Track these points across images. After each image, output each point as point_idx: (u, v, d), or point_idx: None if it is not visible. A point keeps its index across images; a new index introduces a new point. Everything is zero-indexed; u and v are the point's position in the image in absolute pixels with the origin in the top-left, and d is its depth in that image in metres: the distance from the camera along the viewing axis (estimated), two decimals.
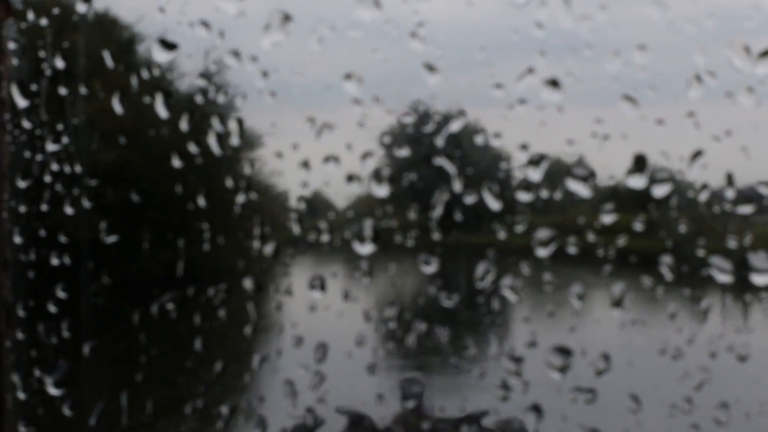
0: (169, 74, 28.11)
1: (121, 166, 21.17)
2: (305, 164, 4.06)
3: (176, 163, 18.72)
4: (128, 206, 21.65)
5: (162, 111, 5.23)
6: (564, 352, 4.17)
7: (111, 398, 10.45)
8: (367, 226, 3.93)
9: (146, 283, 21.78)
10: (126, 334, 17.78)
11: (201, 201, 22.46)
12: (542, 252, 4.05)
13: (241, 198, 26.87)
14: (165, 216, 22.12)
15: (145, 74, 25.10)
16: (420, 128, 59.76)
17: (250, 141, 29.81)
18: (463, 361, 15.56)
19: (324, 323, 18.92)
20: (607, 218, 3.88)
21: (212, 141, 4.50)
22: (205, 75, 28.58)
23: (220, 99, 28.98)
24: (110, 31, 25.01)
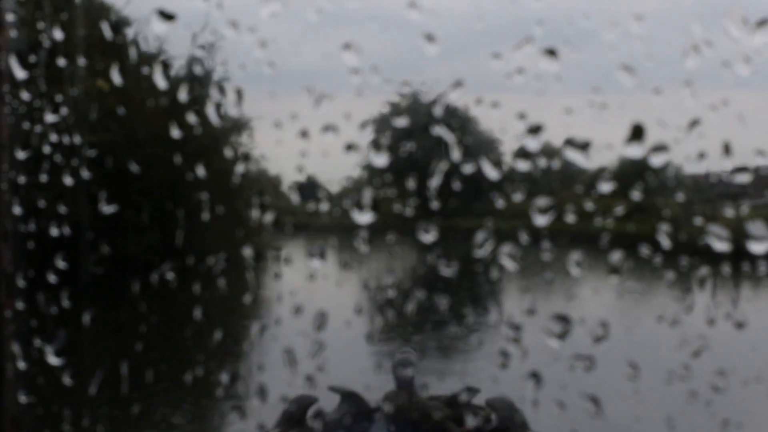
0: (164, 50, 28.11)
1: (119, 142, 21.18)
2: (303, 133, 4.04)
3: (175, 133, 18.75)
4: (128, 179, 21.67)
5: (161, 81, 5.20)
6: (562, 319, 4.29)
7: (111, 367, 10.57)
8: (366, 194, 3.92)
9: (147, 253, 21.86)
10: (126, 303, 17.88)
11: (200, 172, 22.46)
12: (541, 220, 4.07)
13: (240, 168, 26.86)
14: (164, 189, 22.10)
15: (134, 53, 25.11)
16: (416, 101, 59.99)
17: (239, 125, 29.74)
18: (462, 329, 15.62)
19: (323, 293, 19.01)
20: (605, 186, 3.86)
21: (211, 111, 4.47)
22: (203, 46, 28.51)
23: (218, 70, 28.99)
24: (99, 15, 24.87)
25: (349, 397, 5.24)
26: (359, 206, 3.71)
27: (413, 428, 4.87)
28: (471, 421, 5.02)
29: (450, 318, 17.07)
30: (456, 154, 4.17)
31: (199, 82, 28.14)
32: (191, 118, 23.72)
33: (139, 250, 22.04)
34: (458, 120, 59.46)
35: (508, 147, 67.31)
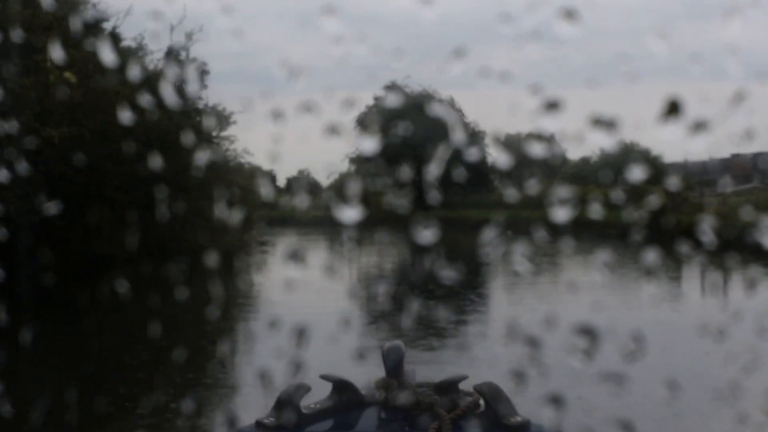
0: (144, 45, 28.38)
1: (74, 141, 21.33)
2: (276, 114, 3.91)
3: (126, 118, 18.83)
4: (86, 182, 21.81)
5: (109, 55, 5.12)
6: (588, 332, 4.31)
7: (56, 394, 10.37)
8: (352, 186, 3.82)
9: (109, 261, 21.86)
10: (74, 317, 17.77)
11: (166, 167, 22.67)
12: (561, 215, 3.91)
13: (202, 156, 26.94)
14: (125, 192, 22.25)
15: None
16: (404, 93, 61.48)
17: (219, 119, 30.10)
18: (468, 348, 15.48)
19: (304, 302, 19.00)
20: (637, 172, 3.69)
21: (169, 90, 4.38)
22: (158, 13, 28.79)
23: (178, 37, 29.13)
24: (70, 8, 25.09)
25: (341, 385, 5.50)
26: (344, 200, 3.60)
27: (403, 414, 5.20)
28: (459, 407, 5.26)
29: (450, 331, 16.94)
30: (459, 136, 4.06)
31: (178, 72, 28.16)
32: (150, 104, 24.34)
33: (94, 255, 22.15)
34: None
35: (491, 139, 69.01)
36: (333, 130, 3.74)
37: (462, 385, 5.56)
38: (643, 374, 10.36)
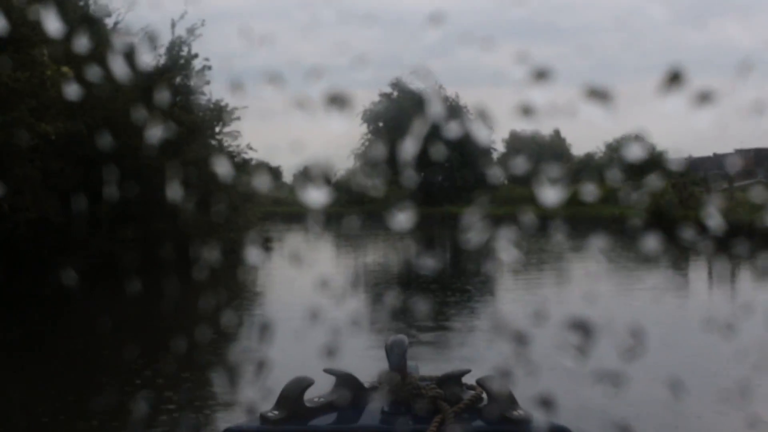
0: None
1: (82, 131, 21.17)
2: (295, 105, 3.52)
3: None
4: (87, 181, 21.57)
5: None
6: (582, 327, 4.29)
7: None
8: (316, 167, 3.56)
9: (108, 259, 21.54)
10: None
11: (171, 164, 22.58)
12: (551, 195, 3.64)
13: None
14: (125, 192, 21.96)
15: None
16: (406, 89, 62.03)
17: (221, 115, 29.91)
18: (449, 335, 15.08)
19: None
20: (635, 149, 3.38)
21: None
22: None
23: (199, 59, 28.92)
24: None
25: (345, 379, 5.66)
26: (309, 179, 3.30)
27: (406, 408, 5.39)
28: (462, 400, 5.43)
29: (432, 324, 16.50)
30: (438, 109, 3.76)
31: (180, 68, 28.28)
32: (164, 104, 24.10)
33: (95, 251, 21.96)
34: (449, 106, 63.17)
35: (499, 134, 69.01)
36: (336, 99, 3.47)
37: (465, 379, 5.69)
38: (643, 373, 9.88)
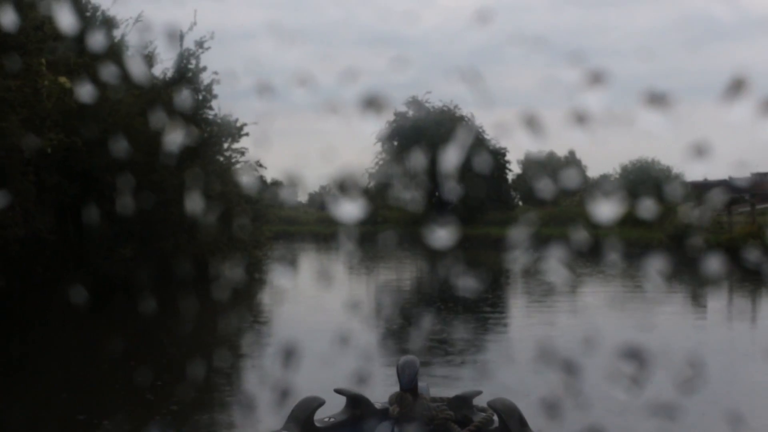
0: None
1: (78, 144, 20.44)
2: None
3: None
4: (85, 196, 20.91)
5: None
6: (635, 356, 4.74)
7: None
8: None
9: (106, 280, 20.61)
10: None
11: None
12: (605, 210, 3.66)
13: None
14: (124, 209, 21.19)
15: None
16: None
17: (229, 130, 29.14)
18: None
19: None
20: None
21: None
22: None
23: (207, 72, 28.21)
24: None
25: (355, 399, 5.83)
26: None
27: (417, 429, 5.50)
28: (473, 422, 5.57)
29: (467, 351, 15.48)
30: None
31: (188, 81, 27.76)
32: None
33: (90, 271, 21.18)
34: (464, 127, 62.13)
35: (513, 156, 68.38)
36: (372, 102, 3.80)
37: (476, 401, 5.91)
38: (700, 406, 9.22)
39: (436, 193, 60.18)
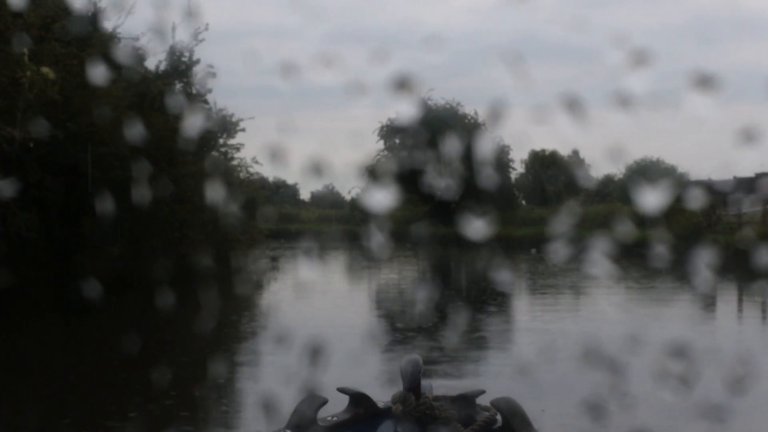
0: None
1: (53, 145, 19.67)
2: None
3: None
4: (73, 195, 20.25)
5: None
6: (682, 354, 5.05)
7: None
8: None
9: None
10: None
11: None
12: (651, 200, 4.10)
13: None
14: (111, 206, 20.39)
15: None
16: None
17: (225, 126, 28.35)
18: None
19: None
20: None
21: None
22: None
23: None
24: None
25: (358, 398, 5.78)
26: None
27: (420, 428, 5.48)
28: (476, 421, 5.52)
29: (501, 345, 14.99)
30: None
31: (181, 74, 27.03)
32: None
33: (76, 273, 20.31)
34: (467, 124, 62.14)
35: (518, 155, 67.79)
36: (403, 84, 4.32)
37: (479, 400, 5.88)
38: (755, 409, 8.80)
39: (438, 192, 59.47)
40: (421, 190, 54.23)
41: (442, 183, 55.25)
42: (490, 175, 55.89)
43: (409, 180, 47.01)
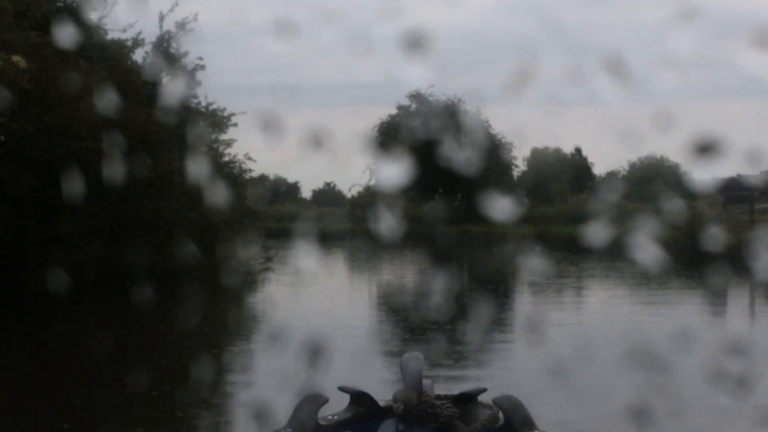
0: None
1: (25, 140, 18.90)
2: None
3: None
4: (49, 191, 19.21)
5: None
6: (739, 352, 3.91)
7: None
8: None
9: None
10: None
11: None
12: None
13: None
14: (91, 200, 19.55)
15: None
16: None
17: (217, 120, 27.51)
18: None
19: None
20: None
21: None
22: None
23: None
24: None
25: (359, 397, 5.37)
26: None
27: (422, 427, 5.16)
28: (478, 420, 5.15)
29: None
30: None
31: (168, 65, 26.23)
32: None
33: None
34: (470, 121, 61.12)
35: (520, 152, 67.23)
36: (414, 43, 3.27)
37: (481, 398, 5.60)
38: None
39: (439, 190, 58.94)
40: (422, 187, 53.79)
41: (443, 182, 55.24)
42: (492, 171, 55.82)
43: (420, 153, 45.84)
